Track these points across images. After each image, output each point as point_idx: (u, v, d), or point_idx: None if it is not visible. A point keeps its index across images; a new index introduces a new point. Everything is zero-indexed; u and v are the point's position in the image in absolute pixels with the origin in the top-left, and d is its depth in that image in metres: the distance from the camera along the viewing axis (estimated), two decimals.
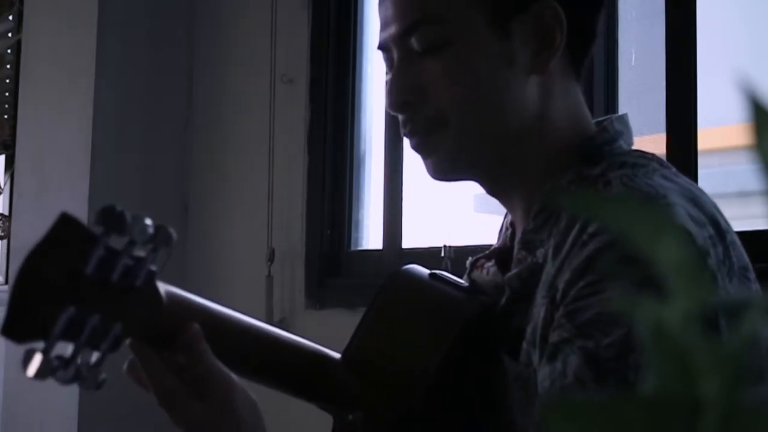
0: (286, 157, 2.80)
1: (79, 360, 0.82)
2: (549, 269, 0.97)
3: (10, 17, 3.67)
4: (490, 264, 1.13)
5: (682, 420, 0.28)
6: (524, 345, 0.98)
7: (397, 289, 1.09)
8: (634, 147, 1.07)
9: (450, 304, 1.07)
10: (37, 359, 0.80)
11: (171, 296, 0.91)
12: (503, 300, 1.04)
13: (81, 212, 2.93)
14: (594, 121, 1.09)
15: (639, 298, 0.29)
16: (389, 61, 1.08)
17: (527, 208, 1.05)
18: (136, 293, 0.85)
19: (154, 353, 0.93)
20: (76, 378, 0.83)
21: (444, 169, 1.07)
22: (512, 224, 1.13)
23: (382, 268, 2.56)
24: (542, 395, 0.91)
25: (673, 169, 1.03)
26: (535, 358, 0.96)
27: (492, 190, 1.10)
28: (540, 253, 1.00)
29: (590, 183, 1.00)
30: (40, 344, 0.81)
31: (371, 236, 2.75)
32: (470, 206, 2.73)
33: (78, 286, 0.81)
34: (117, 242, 0.82)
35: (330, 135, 2.75)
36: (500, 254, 1.12)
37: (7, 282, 3.40)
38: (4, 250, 3.64)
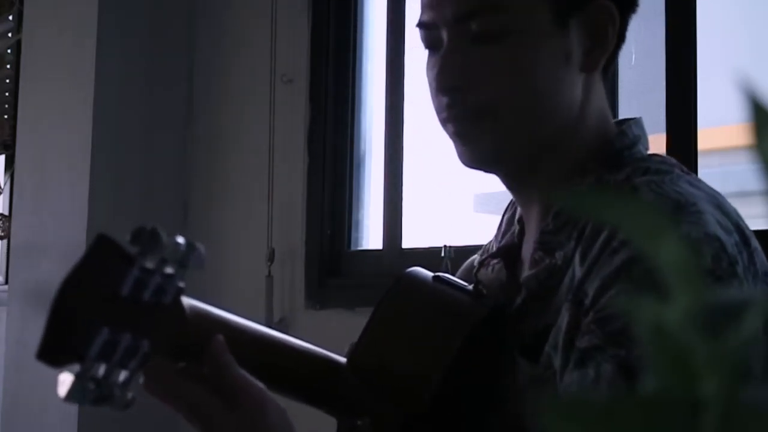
0: (286, 157, 2.80)
1: (110, 380, 0.82)
2: (576, 273, 0.96)
3: (10, 17, 3.67)
4: (495, 261, 1.12)
5: (682, 420, 0.28)
6: (546, 348, 0.98)
7: (401, 293, 1.09)
8: (650, 152, 1.07)
9: (455, 308, 1.07)
10: (71, 383, 0.79)
11: (193, 309, 0.91)
12: (519, 300, 1.04)
13: (81, 212, 2.93)
14: (613, 121, 1.10)
15: (639, 298, 0.29)
16: (430, 39, 1.05)
17: (545, 207, 1.05)
18: (164, 310, 0.85)
19: (170, 368, 0.92)
20: (108, 399, 0.82)
21: (480, 160, 1.05)
22: (520, 221, 1.13)
23: (382, 268, 2.56)
24: None
25: (694, 175, 1.03)
26: (557, 361, 0.96)
27: (512, 185, 1.09)
28: (559, 255, 1.00)
29: (616, 189, 1.00)
30: (76, 367, 0.80)
31: (371, 236, 2.75)
32: (470, 206, 2.73)
33: (112, 307, 0.81)
34: (150, 261, 0.82)
35: (330, 135, 2.75)
36: (506, 251, 1.12)
37: (7, 282, 3.40)
38: (4, 250, 3.64)
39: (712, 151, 2.08)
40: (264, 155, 2.83)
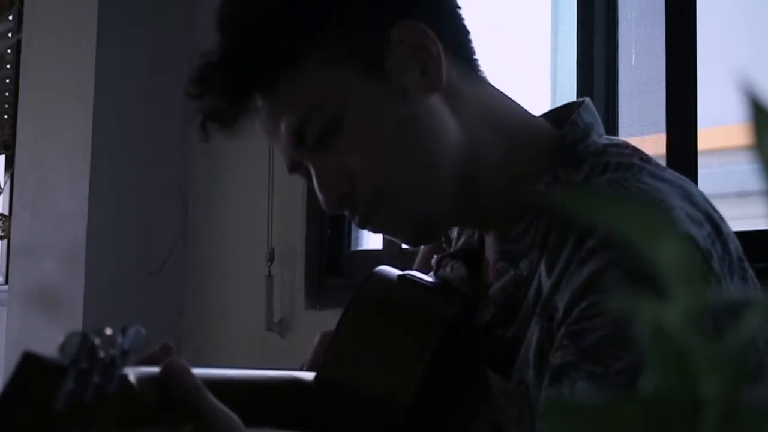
0: None
1: None
2: (543, 284, 0.93)
3: (10, 17, 3.67)
4: (454, 261, 1.09)
5: (682, 420, 0.28)
6: (517, 362, 0.95)
7: (366, 300, 1.05)
8: (605, 137, 1.01)
9: (423, 312, 1.03)
10: None
11: (141, 377, 0.85)
12: (488, 315, 1.00)
13: (81, 212, 2.93)
14: (557, 107, 1.05)
15: (638, 299, 0.29)
16: (307, 173, 1.02)
17: (500, 217, 1.00)
18: (110, 398, 0.81)
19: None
20: None
21: (417, 237, 1.04)
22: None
23: None
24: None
25: (654, 162, 0.99)
26: (529, 376, 0.94)
27: (467, 223, 1.07)
28: (524, 264, 0.97)
29: None
30: None
31: (371, 236, 2.75)
32: None
33: (48, 419, 0.77)
34: (85, 362, 0.77)
35: None
36: (467, 254, 1.09)
37: (7, 282, 3.40)
38: (4, 250, 3.64)
39: (712, 151, 2.08)
40: (264, 155, 2.83)
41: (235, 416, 0.88)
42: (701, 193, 0.97)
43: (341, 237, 2.74)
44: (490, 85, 1.04)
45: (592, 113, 1.02)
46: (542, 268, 0.94)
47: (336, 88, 0.97)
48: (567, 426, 0.28)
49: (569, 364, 0.87)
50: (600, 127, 1.02)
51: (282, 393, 0.97)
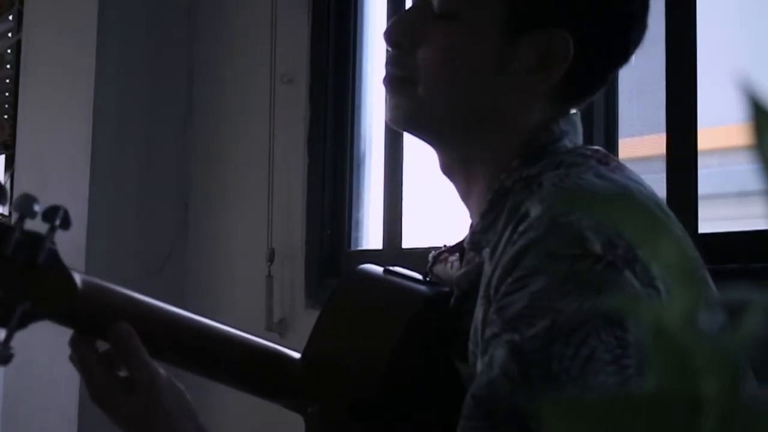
0: (286, 157, 2.80)
1: None
2: (486, 269, 0.98)
3: (10, 17, 3.67)
4: (454, 258, 1.14)
5: (682, 420, 0.28)
6: (470, 345, 0.99)
7: (349, 288, 1.14)
8: (581, 145, 1.06)
9: (399, 295, 1.10)
10: None
11: (88, 283, 0.94)
12: (452, 300, 1.05)
13: (81, 212, 2.93)
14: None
15: (639, 299, 0.29)
16: None
17: (477, 207, 1.06)
18: (42, 271, 0.89)
19: (86, 347, 0.98)
20: None
21: (398, 121, 1.08)
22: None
23: None
24: (473, 391, 0.90)
25: (615, 164, 1.02)
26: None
27: (446, 171, 1.10)
28: (485, 253, 1.01)
29: (526, 184, 1.00)
30: None
31: (371, 236, 2.75)
32: None
33: None
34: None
35: (330, 135, 2.75)
36: (460, 248, 1.14)
37: None
38: None
39: (712, 151, 2.08)
40: (264, 155, 2.83)
41: (160, 371, 0.99)
42: (653, 198, 1.00)
43: (341, 237, 2.74)
44: (567, 108, 1.08)
45: (572, 123, 1.07)
46: (487, 254, 0.99)
47: (481, 5, 1.03)
48: (567, 426, 0.28)
49: (494, 335, 0.91)
50: (576, 136, 1.07)
51: (251, 355, 1.07)
